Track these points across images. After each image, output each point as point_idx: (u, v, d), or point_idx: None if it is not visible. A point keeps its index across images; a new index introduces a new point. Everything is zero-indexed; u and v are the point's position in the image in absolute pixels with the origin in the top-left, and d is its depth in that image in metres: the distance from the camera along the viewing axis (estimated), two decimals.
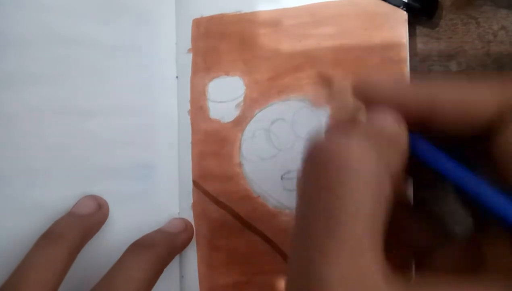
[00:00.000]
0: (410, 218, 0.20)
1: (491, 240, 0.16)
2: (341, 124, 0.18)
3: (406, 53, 0.26)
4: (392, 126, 0.16)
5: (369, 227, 0.14)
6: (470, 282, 0.15)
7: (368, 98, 0.17)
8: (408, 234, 0.19)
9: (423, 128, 0.17)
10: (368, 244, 0.14)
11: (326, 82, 0.25)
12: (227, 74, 0.29)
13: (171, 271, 0.28)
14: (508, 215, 0.15)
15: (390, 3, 0.26)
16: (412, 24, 0.27)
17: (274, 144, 0.28)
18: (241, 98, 0.28)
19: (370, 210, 0.14)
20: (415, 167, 0.17)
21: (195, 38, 0.29)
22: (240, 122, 0.28)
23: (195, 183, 0.29)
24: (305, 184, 0.16)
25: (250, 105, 0.28)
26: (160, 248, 0.25)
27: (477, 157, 0.17)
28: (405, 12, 0.26)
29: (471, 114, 0.16)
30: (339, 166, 0.15)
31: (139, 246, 0.25)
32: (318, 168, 0.15)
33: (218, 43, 0.29)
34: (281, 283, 0.27)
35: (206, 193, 0.28)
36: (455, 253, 0.17)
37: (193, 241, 0.28)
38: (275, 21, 0.28)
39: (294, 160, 0.27)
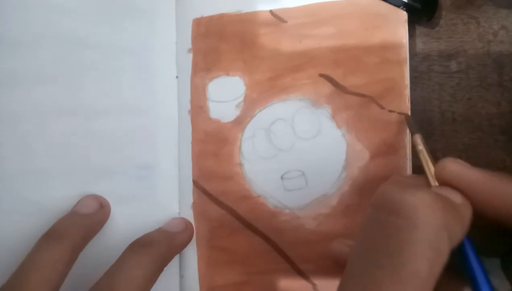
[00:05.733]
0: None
1: None
2: (414, 180, 0.20)
3: (406, 53, 0.26)
4: (460, 199, 0.18)
5: (428, 273, 0.16)
6: None
7: (447, 182, 0.19)
8: None
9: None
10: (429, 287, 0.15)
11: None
12: (227, 74, 0.29)
13: (171, 270, 0.28)
14: None
15: (390, 3, 0.26)
16: (412, 24, 0.27)
17: (274, 144, 0.28)
18: (241, 98, 0.28)
19: (431, 261, 0.16)
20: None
21: (195, 38, 0.29)
22: (240, 122, 0.28)
23: (195, 183, 0.29)
24: (372, 225, 0.17)
25: (250, 105, 0.28)
26: (160, 247, 0.25)
27: None
28: (405, 12, 0.26)
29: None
30: (411, 215, 0.16)
31: (139, 245, 0.25)
32: (390, 213, 0.17)
33: (218, 43, 0.29)
34: (281, 283, 0.27)
35: (206, 193, 0.29)
36: None
37: (193, 240, 0.28)
38: (275, 21, 0.28)
39: (294, 160, 0.27)
